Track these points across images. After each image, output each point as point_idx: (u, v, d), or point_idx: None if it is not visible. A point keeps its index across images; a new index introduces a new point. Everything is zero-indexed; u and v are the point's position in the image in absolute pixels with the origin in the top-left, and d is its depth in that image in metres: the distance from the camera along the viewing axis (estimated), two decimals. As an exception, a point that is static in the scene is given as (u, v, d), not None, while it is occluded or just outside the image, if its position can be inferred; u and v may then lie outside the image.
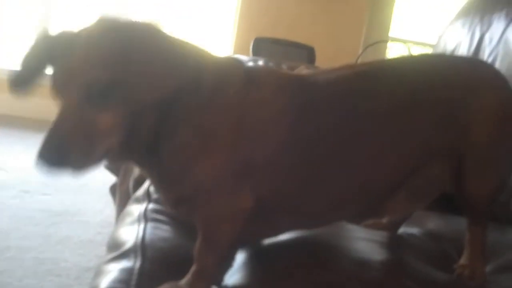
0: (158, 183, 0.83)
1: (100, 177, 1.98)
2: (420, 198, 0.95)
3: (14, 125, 3.43)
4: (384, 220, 1.07)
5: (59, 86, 0.70)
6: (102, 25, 0.72)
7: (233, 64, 0.84)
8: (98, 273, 0.80)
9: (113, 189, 1.66)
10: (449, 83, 0.89)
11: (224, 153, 0.77)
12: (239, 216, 0.80)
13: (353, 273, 0.81)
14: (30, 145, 3.03)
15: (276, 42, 2.49)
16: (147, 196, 1.02)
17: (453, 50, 1.71)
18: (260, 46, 2.41)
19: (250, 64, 0.88)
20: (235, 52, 3.44)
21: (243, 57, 2.07)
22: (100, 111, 0.69)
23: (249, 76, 0.82)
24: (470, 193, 0.91)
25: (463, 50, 1.64)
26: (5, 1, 3.86)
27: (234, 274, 0.81)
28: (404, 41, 3.50)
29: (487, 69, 1.00)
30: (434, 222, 1.10)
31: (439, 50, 1.84)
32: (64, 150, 0.67)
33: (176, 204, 0.82)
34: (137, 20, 0.72)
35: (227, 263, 0.82)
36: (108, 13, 0.75)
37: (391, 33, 3.88)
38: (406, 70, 0.91)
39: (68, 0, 3.90)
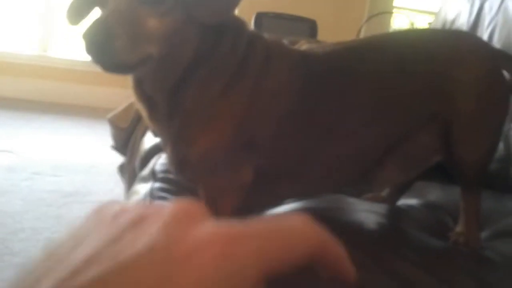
0: (168, 141, 0.84)
1: (109, 158, 2.02)
2: (411, 167, 0.98)
3: (21, 108, 3.47)
4: (383, 193, 1.10)
5: None
6: None
7: (259, 36, 0.86)
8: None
9: (121, 169, 1.69)
10: (432, 55, 0.93)
11: (234, 124, 0.81)
12: (240, 188, 0.83)
13: (349, 242, 0.83)
14: (38, 128, 3.08)
15: (277, 16, 2.48)
16: (153, 175, 1.05)
17: (454, 20, 1.71)
18: (262, 21, 2.40)
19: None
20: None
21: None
22: (151, 14, 0.70)
23: (268, 49, 0.85)
24: (459, 161, 0.93)
25: (463, 19, 1.65)
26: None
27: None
28: (409, 10, 3.47)
29: (471, 40, 1.02)
30: (433, 193, 1.12)
31: (440, 20, 1.84)
32: (109, 35, 0.67)
33: (181, 167, 0.84)
34: None
35: None
36: None
37: (396, 3, 3.85)
38: (392, 44, 0.95)
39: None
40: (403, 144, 0.93)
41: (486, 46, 1.02)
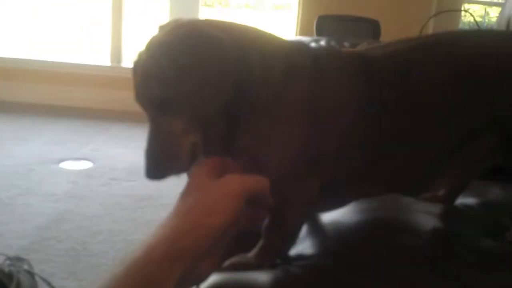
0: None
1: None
2: (471, 169, 0.97)
3: (97, 117, 3.63)
4: (440, 193, 1.09)
5: (137, 99, 0.77)
6: (150, 43, 0.76)
7: (301, 50, 0.84)
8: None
9: (188, 171, 1.76)
10: (501, 59, 0.90)
11: (298, 142, 0.80)
12: (307, 203, 0.84)
13: (405, 244, 0.85)
14: (113, 136, 3.22)
15: (339, 18, 2.49)
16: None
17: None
18: (324, 24, 2.42)
19: (313, 46, 0.89)
20: (300, 33, 3.45)
21: (305, 38, 2.11)
22: (171, 118, 0.73)
23: (315, 61, 0.83)
24: None
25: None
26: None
27: (297, 245, 0.87)
28: (481, 4, 3.34)
29: None
30: (493, 193, 1.10)
31: (505, 13, 1.81)
32: (160, 165, 0.76)
33: None
34: (183, 27, 0.74)
35: (294, 240, 0.87)
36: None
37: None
38: (460, 45, 0.92)
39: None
40: (465, 147, 0.91)
41: None
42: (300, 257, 0.84)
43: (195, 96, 0.72)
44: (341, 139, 0.82)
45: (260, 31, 0.82)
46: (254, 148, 0.79)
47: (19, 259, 1.63)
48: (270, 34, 0.83)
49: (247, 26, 0.82)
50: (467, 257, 0.82)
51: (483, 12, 4.40)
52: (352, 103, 0.83)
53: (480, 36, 0.98)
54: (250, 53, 0.76)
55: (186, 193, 0.64)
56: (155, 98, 0.73)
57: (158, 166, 0.76)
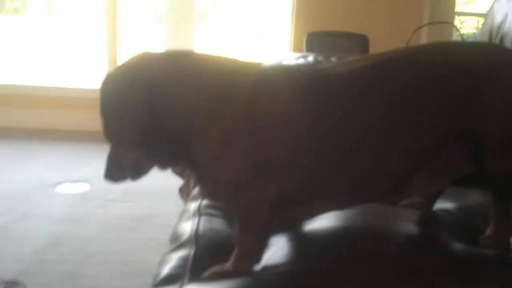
0: (196, 179, 0.96)
1: (173, 181, 2.11)
2: (441, 178, 0.99)
3: (94, 139, 3.65)
4: (419, 199, 1.10)
5: None
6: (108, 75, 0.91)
7: (247, 72, 0.91)
8: (161, 262, 0.93)
9: (181, 191, 1.78)
10: (464, 70, 0.92)
11: (242, 156, 0.87)
12: (265, 205, 0.89)
13: (381, 251, 0.87)
14: (110, 157, 3.24)
15: (328, 34, 2.53)
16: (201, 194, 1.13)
17: (500, 23, 1.71)
18: (313, 40, 2.46)
19: (270, 63, 0.95)
20: (293, 49, 3.48)
21: (295, 55, 2.13)
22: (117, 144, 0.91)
23: (261, 78, 0.90)
24: (492, 172, 0.94)
25: (510, 22, 1.64)
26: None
27: (275, 254, 0.90)
28: (474, 16, 3.34)
29: (502, 53, 1.00)
30: (472, 197, 1.12)
31: (488, 23, 1.83)
32: (111, 172, 0.94)
33: (212, 196, 0.95)
34: (123, 66, 0.90)
35: (263, 244, 0.93)
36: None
37: (460, 9, 3.73)
38: (421, 58, 0.94)
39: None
40: (433, 158, 0.93)
41: None
42: (275, 264, 0.87)
43: (115, 126, 0.90)
44: (290, 152, 0.88)
45: (215, 57, 0.93)
46: (206, 161, 0.88)
47: (15, 283, 1.64)
48: (220, 59, 0.93)
49: (202, 56, 0.94)
50: (441, 263, 0.83)
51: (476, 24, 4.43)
52: (298, 119, 0.88)
53: (443, 49, 0.99)
54: (167, 87, 0.87)
55: None
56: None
57: (109, 173, 0.94)
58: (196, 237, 0.96)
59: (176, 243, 0.96)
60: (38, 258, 1.96)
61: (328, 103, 0.89)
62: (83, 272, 1.88)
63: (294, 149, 0.88)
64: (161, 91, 0.86)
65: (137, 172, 0.92)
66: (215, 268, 0.88)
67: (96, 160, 3.20)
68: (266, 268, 0.87)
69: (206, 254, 0.91)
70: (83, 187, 2.73)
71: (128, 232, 2.23)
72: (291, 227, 0.98)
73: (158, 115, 0.86)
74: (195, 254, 0.91)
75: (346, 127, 0.89)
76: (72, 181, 2.80)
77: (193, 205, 1.10)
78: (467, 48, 1.02)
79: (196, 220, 1.03)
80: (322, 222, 0.98)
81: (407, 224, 0.98)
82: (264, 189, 0.88)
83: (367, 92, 0.90)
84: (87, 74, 4.21)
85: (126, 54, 4.06)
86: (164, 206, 2.47)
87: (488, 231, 0.96)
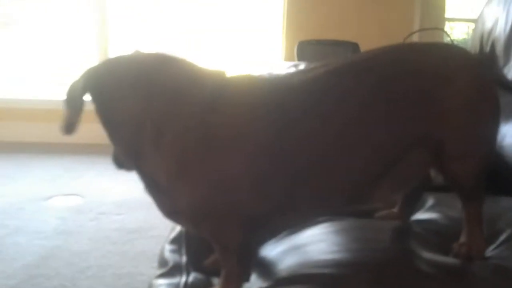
0: (151, 195, 0.90)
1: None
2: (404, 182, 0.96)
3: (86, 152, 3.63)
4: (395, 210, 1.08)
5: None
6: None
7: (200, 80, 0.86)
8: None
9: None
10: (419, 73, 0.89)
11: (197, 174, 0.82)
12: (235, 225, 0.85)
13: (353, 265, 0.86)
14: (102, 169, 3.22)
15: (319, 43, 2.53)
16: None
17: (491, 28, 1.71)
18: (304, 49, 2.46)
19: (231, 74, 0.88)
20: (285, 57, 3.49)
21: (286, 63, 2.13)
22: None
23: (218, 94, 0.84)
24: (454, 175, 0.92)
25: (500, 27, 1.64)
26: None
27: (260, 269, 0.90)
28: (465, 21, 3.37)
29: (458, 53, 0.97)
30: (454, 205, 1.07)
31: (479, 28, 1.83)
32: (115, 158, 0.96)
33: (169, 215, 0.90)
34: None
35: (249, 261, 0.89)
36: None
37: (451, 14, 3.75)
38: (377, 63, 0.91)
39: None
40: (395, 164, 0.90)
41: (472, 57, 0.98)
42: (256, 281, 0.87)
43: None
44: (248, 167, 0.82)
45: (174, 61, 0.88)
46: (161, 179, 0.85)
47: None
48: (179, 64, 0.88)
49: (163, 58, 0.88)
50: (416, 274, 0.82)
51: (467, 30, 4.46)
52: (253, 133, 0.83)
53: (397, 52, 0.95)
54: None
55: None
56: None
57: (114, 159, 0.97)
58: (187, 266, 0.93)
59: (165, 267, 0.94)
60: (30, 273, 1.93)
61: (286, 116, 0.85)
62: (76, 286, 1.86)
63: (252, 165, 0.83)
64: (106, 95, 0.87)
65: (123, 165, 0.94)
66: None
67: (88, 172, 3.19)
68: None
69: (196, 281, 0.90)
70: (76, 200, 2.71)
71: (121, 245, 2.21)
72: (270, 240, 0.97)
73: (106, 118, 0.89)
74: (186, 283, 0.89)
75: (303, 139, 0.85)
76: (64, 194, 2.78)
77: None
78: (422, 49, 0.97)
79: (184, 242, 1.00)
80: (302, 236, 0.97)
81: (383, 235, 0.96)
82: (230, 209, 0.84)
83: (322, 103, 0.86)
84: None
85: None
86: (157, 218, 2.43)
87: (461, 239, 0.93)
